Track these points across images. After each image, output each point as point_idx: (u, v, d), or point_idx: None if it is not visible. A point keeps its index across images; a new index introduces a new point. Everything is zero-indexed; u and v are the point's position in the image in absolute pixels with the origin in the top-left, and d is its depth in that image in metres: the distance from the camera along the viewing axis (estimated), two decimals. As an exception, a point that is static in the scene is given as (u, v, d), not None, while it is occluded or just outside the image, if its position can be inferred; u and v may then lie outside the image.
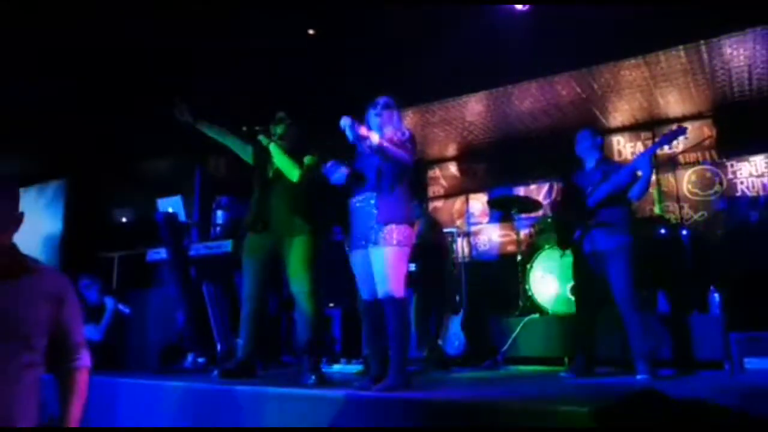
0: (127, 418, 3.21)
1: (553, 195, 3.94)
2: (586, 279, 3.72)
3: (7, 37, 4.95)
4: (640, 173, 3.52)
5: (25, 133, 6.28)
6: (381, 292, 2.79)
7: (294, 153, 3.52)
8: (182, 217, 4.58)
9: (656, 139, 3.88)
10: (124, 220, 7.02)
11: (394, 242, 2.78)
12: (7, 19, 4.71)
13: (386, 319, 2.82)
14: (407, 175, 2.93)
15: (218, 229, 4.89)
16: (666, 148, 6.93)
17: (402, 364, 2.75)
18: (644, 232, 4.96)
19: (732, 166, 6.53)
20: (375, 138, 2.78)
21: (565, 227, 3.86)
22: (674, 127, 3.61)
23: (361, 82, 3.09)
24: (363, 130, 2.77)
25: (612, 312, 4.13)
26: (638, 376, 3.33)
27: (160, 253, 4.57)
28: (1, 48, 5.04)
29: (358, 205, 2.93)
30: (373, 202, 2.86)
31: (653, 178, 3.60)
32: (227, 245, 4.23)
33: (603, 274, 3.57)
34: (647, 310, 3.65)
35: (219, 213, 4.90)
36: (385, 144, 2.80)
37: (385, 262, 2.77)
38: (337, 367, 4.66)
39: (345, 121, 2.76)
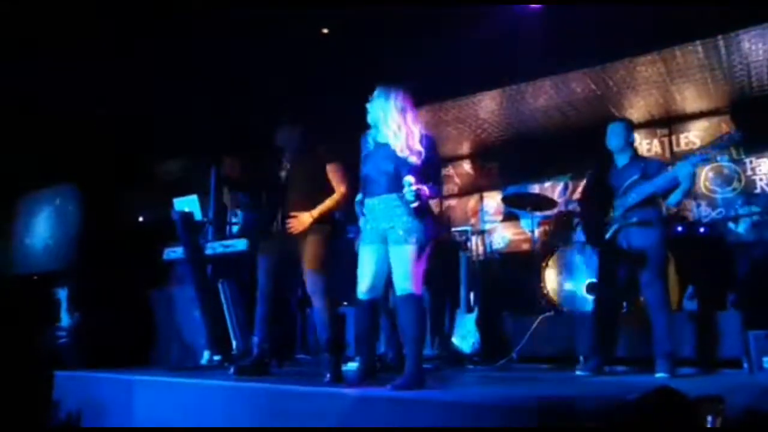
0: (144, 415, 3.24)
1: (571, 190, 3.89)
2: (611, 277, 3.68)
3: (19, 37, 5.02)
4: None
5: (38, 134, 6.36)
6: (400, 289, 2.78)
7: (302, 152, 3.56)
8: (198, 216, 4.61)
9: (704, 148, 3.77)
10: (140, 219, 7.08)
11: (417, 241, 2.78)
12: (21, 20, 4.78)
13: (401, 318, 2.82)
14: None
15: (234, 227, 4.93)
16: (683, 144, 6.89)
17: (418, 362, 2.75)
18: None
19: (751, 162, 6.44)
20: (427, 193, 2.75)
21: (595, 224, 3.81)
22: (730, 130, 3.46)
23: (374, 81, 3.07)
24: (425, 191, 2.72)
25: (629, 310, 4.12)
26: (657, 375, 3.30)
27: (177, 252, 4.61)
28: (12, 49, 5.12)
29: (375, 204, 2.89)
30: (395, 204, 2.81)
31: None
32: (243, 244, 4.25)
33: (632, 273, 3.52)
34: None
35: (235, 212, 4.94)
36: (432, 193, 2.78)
37: (407, 260, 2.76)
38: (351, 365, 4.66)
39: (409, 182, 2.67)
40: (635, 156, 3.76)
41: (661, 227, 3.56)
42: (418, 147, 2.84)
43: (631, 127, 3.79)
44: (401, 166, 2.81)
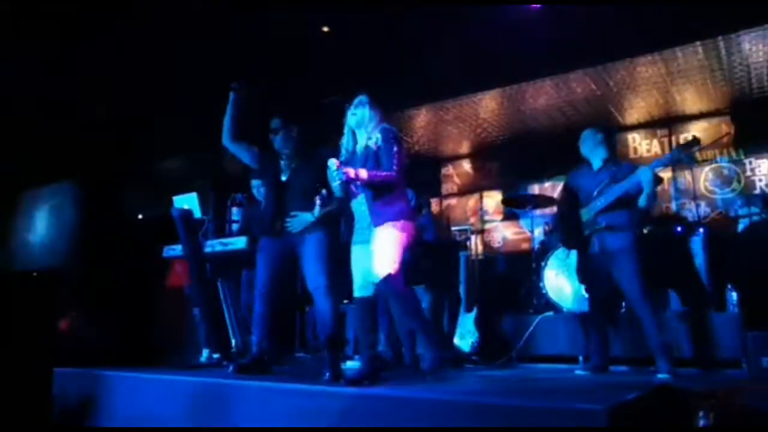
0: (144, 413, 3.24)
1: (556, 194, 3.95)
2: (594, 278, 3.71)
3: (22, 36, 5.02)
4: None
5: (38, 132, 6.36)
6: (377, 275, 2.80)
7: (302, 153, 3.56)
8: (197, 213, 4.60)
9: (667, 153, 3.93)
10: (140, 217, 7.08)
11: (392, 228, 2.82)
12: (24, 19, 4.77)
13: (390, 303, 2.91)
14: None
15: (233, 225, 4.92)
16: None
17: (435, 343, 2.76)
18: (660, 230, 4.92)
19: (750, 163, 6.45)
20: (363, 174, 2.80)
21: (569, 227, 3.84)
22: (687, 137, 3.57)
23: (375, 80, 3.09)
24: (351, 173, 2.78)
25: (628, 310, 4.12)
26: (658, 375, 3.31)
27: (176, 250, 4.61)
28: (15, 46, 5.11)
29: (356, 207, 3.01)
30: (369, 202, 2.91)
31: (669, 175, 3.57)
32: (242, 242, 4.25)
33: (611, 274, 3.55)
34: (660, 308, 3.63)
35: (234, 210, 4.93)
36: (371, 176, 2.83)
37: (381, 244, 2.80)
38: (350, 364, 4.67)
39: (332, 165, 2.78)
40: (608, 160, 3.79)
41: (634, 229, 3.59)
42: (378, 135, 2.95)
43: (598, 131, 3.82)
44: (368, 165, 2.91)
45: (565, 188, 4.00)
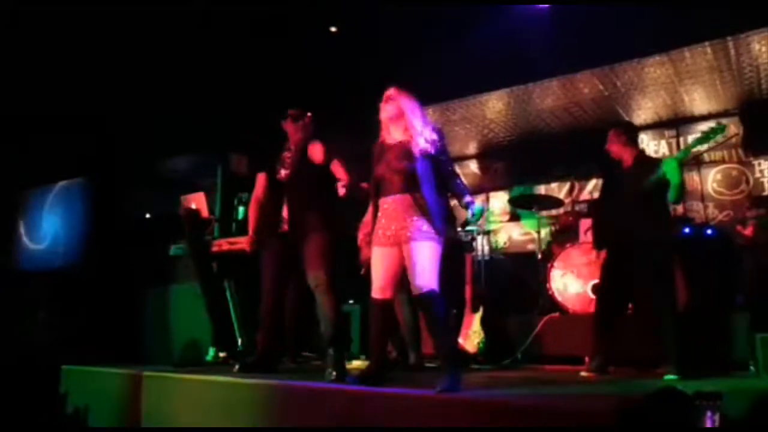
0: (150, 410, 3.26)
1: (578, 191, 3.92)
2: (617, 278, 3.68)
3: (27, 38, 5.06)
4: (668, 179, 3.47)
5: (49, 130, 6.40)
6: (417, 288, 2.75)
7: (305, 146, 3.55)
8: (204, 213, 4.63)
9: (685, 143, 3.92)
10: (147, 216, 7.12)
11: (432, 237, 2.78)
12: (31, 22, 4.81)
13: (425, 318, 2.86)
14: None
15: (240, 225, 4.94)
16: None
17: (457, 362, 2.72)
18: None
19: (759, 164, 6.40)
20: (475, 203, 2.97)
21: (604, 226, 3.82)
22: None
23: (382, 80, 3.07)
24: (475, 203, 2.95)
25: (635, 311, 4.10)
26: (666, 377, 3.29)
27: (183, 249, 4.63)
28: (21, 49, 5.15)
29: (386, 206, 2.89)
30: (408, 204, 2.81)
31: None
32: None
33: (638, 274, 3.52)
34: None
35: (240, 209, 4.95)
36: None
37: (422, 258, 2.75)
38: (356, 363, 4.67)
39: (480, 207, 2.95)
40: (638, 157, 3.78)
41: (667, 229, 3.56)
42: (434, 136, 2.89)
43: (622, 132, 3.81)
44: (418, 162, 2.82)
45: (605, 187, 3.99)
